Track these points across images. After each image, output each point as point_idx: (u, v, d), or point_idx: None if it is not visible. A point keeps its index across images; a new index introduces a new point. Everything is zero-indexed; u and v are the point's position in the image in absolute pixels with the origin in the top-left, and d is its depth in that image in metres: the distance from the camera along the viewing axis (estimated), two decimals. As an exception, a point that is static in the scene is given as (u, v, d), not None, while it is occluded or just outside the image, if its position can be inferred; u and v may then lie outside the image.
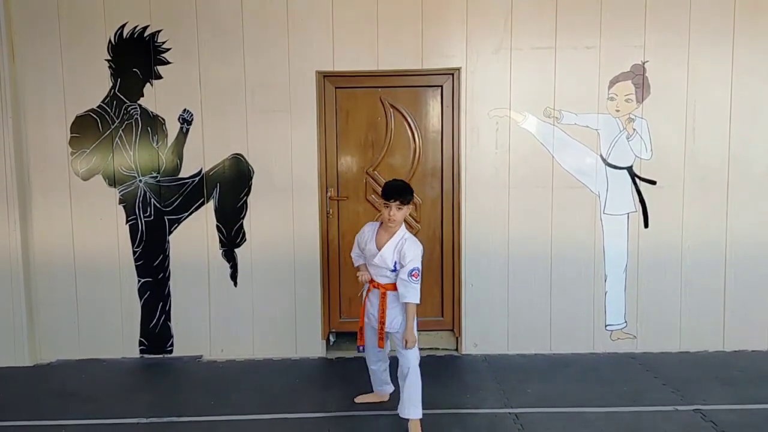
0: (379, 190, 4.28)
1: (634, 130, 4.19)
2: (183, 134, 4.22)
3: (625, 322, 4.30)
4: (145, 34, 4.17)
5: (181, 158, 4.24)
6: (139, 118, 4.22)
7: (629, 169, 4.22)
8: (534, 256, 4.25)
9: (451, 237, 4.33)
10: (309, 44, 4.15)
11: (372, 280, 3.18)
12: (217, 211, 4.26)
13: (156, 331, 4.33)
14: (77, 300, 4.30)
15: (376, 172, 4.34)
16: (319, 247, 4.28)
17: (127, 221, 4.28)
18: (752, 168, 4.22)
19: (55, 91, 4.19)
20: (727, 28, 4.13)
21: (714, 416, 3.25)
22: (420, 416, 3.04)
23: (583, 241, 4.24)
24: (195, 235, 4.26)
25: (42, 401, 3.63)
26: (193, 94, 4.19)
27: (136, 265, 4.30)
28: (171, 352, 4.34)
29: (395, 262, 3.05)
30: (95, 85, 4.19)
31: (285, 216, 4.24)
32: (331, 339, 4.52)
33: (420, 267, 3.05)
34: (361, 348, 3.34)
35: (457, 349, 4.39)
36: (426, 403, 3.09)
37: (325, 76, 4.25)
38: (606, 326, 4.30)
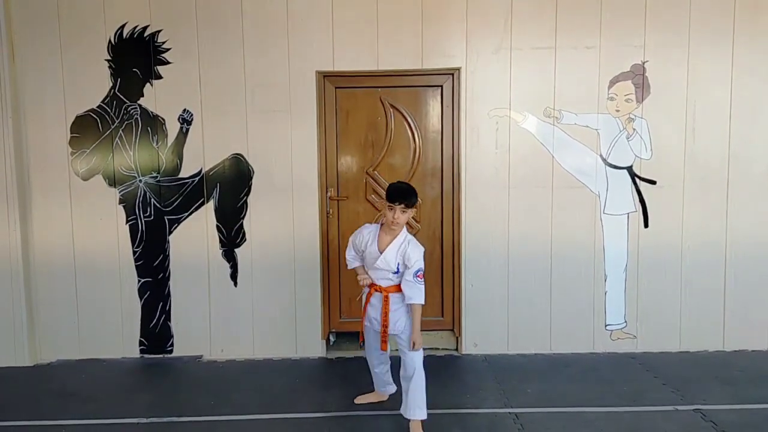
0: (380, 190, 4.30)
1: (634, 129, 4.19)
2: (183, 134, 4.22)
3: (625, 321, 4.30)
4: (145, 34, 4.17)
5: (181, 158, 4.24)
6: (139, 118, 4.22)
7: (629, 169, 4.22)
8: (534, 256, 4.25)
9: (451, 237, 4.33)
10: (309, 44, 4.15)
11: (373, 284, 3.14)
12: (217, 211, 4.26)
13: (156, 331, 4.33)
14: (77, 300, 4.30)
15: (376, 172, 4.34)
16: (319, 247, 4.28)
17: (127, 221, 4.28)
18: (752, 168, 4.22)
19: (55, 91, 4.19)
20: (727, 28, 4.13)
21: (714, 416, 3.25)
22: (425, 417, 3.03)
23: (583, 241, 4.24)
24: (195, 235, 4.27)
25: (42, 401, 3.63)
26: (193, 94, 4.19)
27: (136, 265, 4.30)
28: (171, 352, 4.34)
29: (398, 264, 3.03)
30: (95, 85, 4.19)
31: (285, 216, 4.25)
32: (331, 339, 4.52)
33: (424, 268, 3.04)
34: (362, 344, 3.34)
35: (457, 349, 4.39)
36: (426, 403, 3.07)
37: (325, 76, 4.25)
38: (606, 326, 4.30)
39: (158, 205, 4.26)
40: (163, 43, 4.17)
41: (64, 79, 4.19)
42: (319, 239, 4.28)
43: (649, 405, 3.41)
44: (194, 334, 4.32)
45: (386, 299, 3.09)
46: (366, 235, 3.15)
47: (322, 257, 4.32)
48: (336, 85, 4.28)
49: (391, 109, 4.30)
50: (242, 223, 4.26)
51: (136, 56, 4.17)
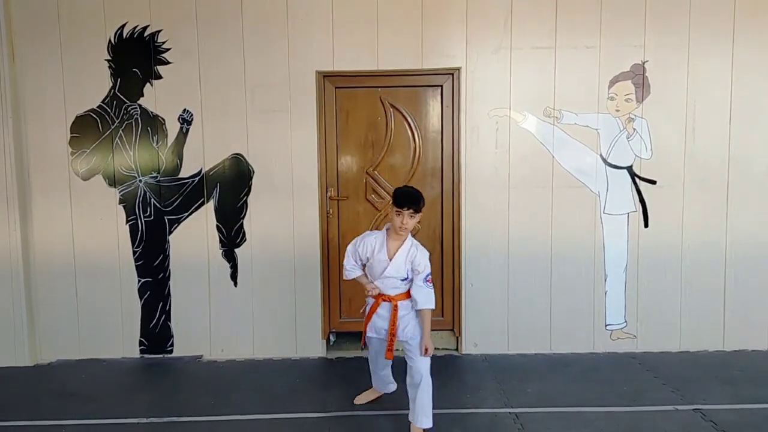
0: (380, 190, 4.31)
1: (634, 129, 4.19)
2: (183, 134, 4.22)
3: (625, 321, 4.30)
4: (145, 34, 4.17)
5: (181, 158, 4.24)
6: (139, 118, 4.22)
7: (629, 169, 4.22)
8: (534, 256, 4.25)
9: (451, 237, 4.33)
10: (309, 44, 4.15)
11: (381, 294, 3.04)
12: (217, 211, 4.26)
13: (156, 331, 4.33)
14: (77, 300, 4.30)
15: (376, 172, 4.34)
16: (319, 247, 4.28)
17: (127, 221, 4.28)
18: (752, 168, 4.22)
19: (55, 91, 4.19)
20: (727, 28, 4.13)
21: (714, 416, 3.25)
22: (431, 425, 2.99)
23: (583, 241, 4.24)
24: (195, 235, 4.27)
25: (42, 401, 3.63)
26: (193, 94, 4.19)
27: (136, 265, 4.30)
28: (171, 352, 4.34)
29: (407, 271, 2.99)
30: (95, 85, 4.19)
31: (285, 216, 4.25)
32: (332, 339, 4.52)
33: (431, 271, 3.02)
34: (363, 347, 3.30)
35: (457, 349, 4.39)
36: (432, 411, 3.04)
37: (325, 76, 4.25)
38: (606, 326, 4.30)
39: (158, 205, 4.26)
40: (163, 43, 4.17)
41: (64, 79, 4.19)
42: (319, 239, 4.28)
43: (649, 405, 3.42)
44: (194, 334, 4.32)
45: (395, 308, 3.01)
46: (371, 242, 3.05)
47: (322, 257, 4.32)
48: (336, 85, 4.28)
49: (391, 109, 4.30)
50: (242, 223, 4.26)
51: (136, 56, 4.17)
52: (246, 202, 4.25)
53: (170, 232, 4.28)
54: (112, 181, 4.26)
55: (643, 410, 3.35)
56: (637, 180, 4.22)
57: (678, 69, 4.16)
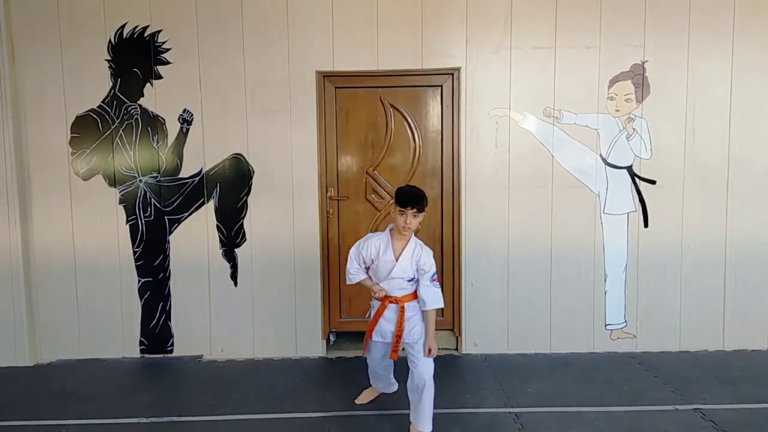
0: (380, 190, 4.31)
1: (634, 129, 4.19)
2: (183, 134, 4.23)
3: (625, 321, 4.30)
4: (145, 34, 4.17)
5: (181, 158, 4.24)
6: (139, 118, 4.23)
7: (629, 169, 4.22)
8: (534, 256, 4.25)
9: (451, 237, 4.33)
10: (309, 44, 4.15)
11: (387, 296, 2.99)
12: (217, 211, 4.26)
13: (156, 331, 4.33)
14: (77, 300, 4.30)
15: (376, 172, 4.34)
16: (319, 246, 4.28)
17: (128, 221, 4.28)
18: (752, 168, 4.22)
19: (55, 91, 4.19)
20: (727, 28, 4.13)
21: (714, 415, 3.25)
22: (431, 429, 2.98)
23: (583, 241, 4.24)
24: (195, 235, 4.27)
25: (42, 401, 3.63)
26: (193, 94, 4.19)
27: (136, 265, 4.30)
28: (171, 351, 4.34)
29: (414, 271, 2.96)
30: (95, 85, 4.19)
31: (285, 216, 4.25)
32: (332, 339, 4.52)
33: (437, 270, 3.01)
34: (365, 358, 3.23)
35: (457, 349, 4.39)
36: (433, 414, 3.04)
37: (325, 76, 4.25)
38: (606, 326, 4.31)
39: (158, 205, 4.26)
40: (163, 43, 4.17)
41: (64, 79, 4.19)
42: (319, 239, 4.28)
43: (649, 404, 3.42)
44: (194, 334, 4.32)
45: (402, 309, 2.97)
46: (375, 243, 3.00)
47: (322, 257, 4.32)
48: (336, 85, 4.28)
49: (391, 109, 4.30)
50: (242, 223, 4.26)
51: (136, 56, 4.17)
52: (246, 202, 4.25)
53: (170, 232, 4.28)
54: (113, 181, 4.26)
55: (643, 410, 3.35)
56: (637, 180, 4.23)
57: (678, 69, 4.16)
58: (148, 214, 4.27)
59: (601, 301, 4.29)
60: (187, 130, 4.22)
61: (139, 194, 4.26)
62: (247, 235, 4.27)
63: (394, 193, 3.05)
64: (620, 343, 4.30)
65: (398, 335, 2.99)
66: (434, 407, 3.01)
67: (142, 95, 4.21)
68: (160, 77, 4.20)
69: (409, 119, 4.31)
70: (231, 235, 4.27)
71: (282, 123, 4.20)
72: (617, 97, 4.18)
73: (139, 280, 4.30)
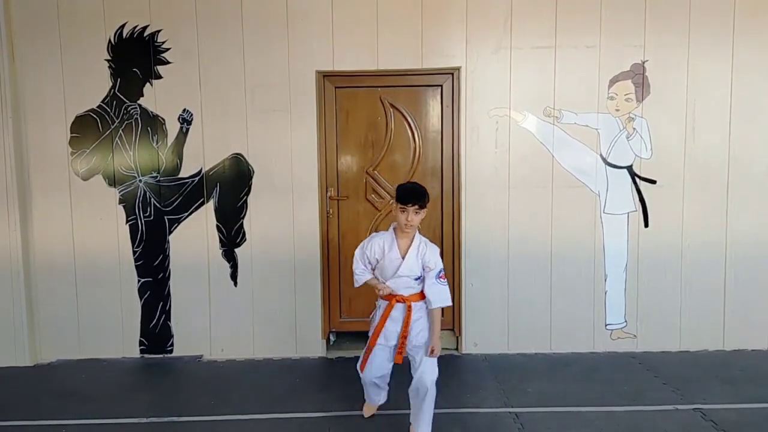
0: (380, 190, 4.31)
1: (634, 129, 4.19)
2: (183, 134, 4.22)
3: (625, 321, 4.30)
4: (145, 34, 4.17)
5: (181, 158, 4.24)
6: (139, 118, 4.22)
7: (629, 169, 4.22)
8: (534, 256, 4.25)
9: (451, 236, 4.33)
10: (309, 44, 4.15)
11: (394, 295, 2.91)
12: (217, 210, 4.26)
13: (156, 331, 4.33)
14: (77, 300, 4.30)
15: (376, 171, 4.34)
16: (319, 246, 4.28)
17: (127, 221, 4.28)
18: (752, 168, 4.22)
19: (55, 91, 4.19)
20: (727, 28, 4.13)
21: (714, 415, 3.25)
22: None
23: (583, 241, 4.24)
24: (195, 235, 4.26)
25: (42, 401, 3.63)
26: (193, 94, 4.19)
27: (136, 265, 4.30)
28: (171, 351, 4.34)
29: (420, 269, 2.91)
30: (95, 85, 4.19)
31: (285, 216, 4.24)
32: (332, 338, 4.52)
33: (443, 267, 2.94)
34: (363, 371, 3.05)
35: (457, 349, 4.39)
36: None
37: (325, 76, 4.25)
38: (606, 325, 4.30)
39: (158, 205, 4.26)
40: (163, 43, 4.17)
41: (64, 79, 4.19)
42: (319, 239, 4.28)
43: (649, 404, 3.42)
44: (194, 334, 4.32)
45: (409, 308, 2.90)
46: (380, 242, 2.95)
47: (322, 257, 4.32)
48: (336, 84, 4.28)
49: (391, 109, 4.30)
50: (242, 223, 4.26)
51: (136, 56, 4.17)
52: (246, 202, 4.25)
53: (170, 232, 4.28)
54: (112, 181, 4.26)
55: (643, 410, 3.35)
56: (637, 180, 4.22)
57: (678, 69, 4.16)
58: (147, 214, 4.27)
59: (602, 300, 4.29)
60: (187, 130, 4.22)
61: (138, 194, 4.26)
62: (247, 235, 4.26)
63: (394, 192, 3.00)
64: (620, 342, 4.30)
65: (404, 336, 2.91)
66: (435, 407, 3.00)
67: (142, 95, 4.21)
68: (159, 77, 4.19)
69: (409, 119, 4.30)
70: (231, 235, 4.27)
71: (282, 123, 4.19)
72: (617, 97, 4.18)
73: (138, 280, 4.30)
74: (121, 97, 4.21)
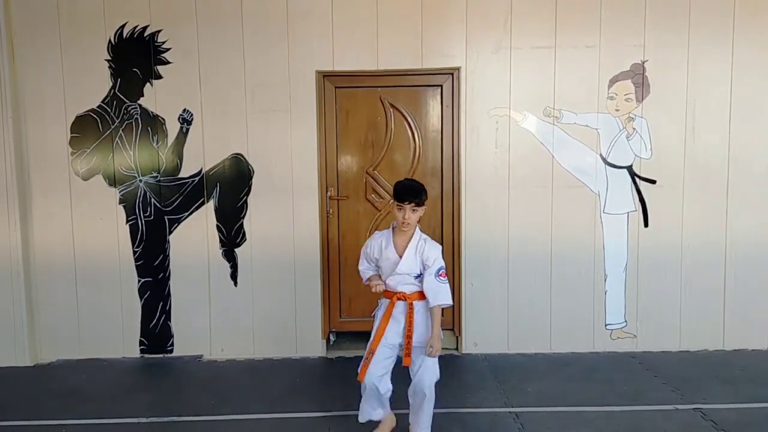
0: (380, 189, 4.31)
1: (634, 129, 4.19)
2: (183, 134, 4.22)
3: (625, 321, 4.30)
4: (145, 34, 4.17)
5: (181, 158, 4.24)
6: (139, 118, 4.22)
7: (629, 169, 4.22)
8: (534, 256, 4.25)
9: (451, 236, 4.33)
10: (309, 44, 4.15)
11: (396, 293, 2.86)
12: (217, 210, 4.26)
13: (156, 331, 4.33)
14: (77, 300, 4.30)
15: (376, 171, 4.34)
16: (319, 246, 4.28)
17: (127, 221, 4.28)
18: (752, 168, 4.22)
19: (55, 91, 4.19)
20: (727, 28, 4.13)
21: (714, 415, 3.25)
22: None
23: (583, 241, 4.24)
24: (195, 235, 4.26)
25: (42, 401, 3.63)
26: (193, 94, 4.19)
27: (136, 265, 4.30)
28: (171, 351, 4.34)
29: (420, 266, 2.86)
30: (95, 85, 4.19)
31: (285, 216, 4.24)
32: (332, 338, 4.52)
33: (444, 265, 2.89)
34: (362, 383, 2.90)
35: (457, 349, 4.39)
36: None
37: (325, 76, 4.25)
38: (606, 325, 4.30)
39: (158, 204, 4.26)
40: (163, 42, 4.17)
41: (64, 79, 4.19)
42: (319, 239, 4.28)
43: (649, 404, 3.41)
44: (194, 334, 4.32)
45: (411, 307, 2.84)
46: (378, 242, 2.93)
47: (322, 257, 4.32)
48: (336, 84, 4.28)
49: (391, 109, 4.30)
50: (242, 223, 4.26)
51: (136, 56, 4.17)
52: (246, 201, 4.25)
53: (170, 232, 4.28)
54: (112, 181, 4.26)
55: (643, 410, 3.35)
56: (637, 179, 4.22)
57: (678, 69, 4.16)
58: (148, 214, 4.27)
59: (601, 300, 4.29)
60: (187, 129, 4.22)
61: (139, 194, 4.26)
62: (247, 235, 4.26)
63: (394, 189, 2.97)
64: (620, 342, 4.30)
65: (409, 335, 2.85)
66: (435, 407, 3.00)
67: (142, 95, 4.21)
68: (160, 77, 4.20)
69: (409, 119, 4.31)
70: (231, 235, 4.27)
71: (282, 123, 4.19)
72: (617, 97, 4.18)
73: (139, 280, 4.30)
74: (122, 97, 4.21)
